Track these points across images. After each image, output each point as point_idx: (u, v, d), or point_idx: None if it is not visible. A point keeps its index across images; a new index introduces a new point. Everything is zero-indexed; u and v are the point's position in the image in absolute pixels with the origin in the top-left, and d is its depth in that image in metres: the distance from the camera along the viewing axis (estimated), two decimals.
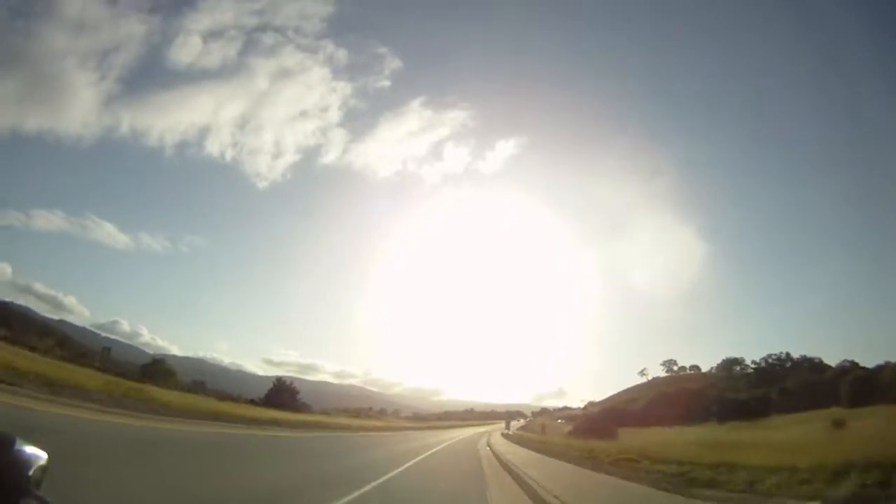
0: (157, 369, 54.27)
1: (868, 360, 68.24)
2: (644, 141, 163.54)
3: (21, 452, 1.52)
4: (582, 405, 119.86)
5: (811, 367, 79.20)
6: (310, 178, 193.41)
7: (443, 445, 28.11)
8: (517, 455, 22.82)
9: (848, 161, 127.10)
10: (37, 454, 1.57)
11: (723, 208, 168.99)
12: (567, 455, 22.45)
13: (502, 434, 58.23)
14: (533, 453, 24.98)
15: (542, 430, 57.16)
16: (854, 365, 68.01)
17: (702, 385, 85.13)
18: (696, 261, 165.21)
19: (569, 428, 61.09)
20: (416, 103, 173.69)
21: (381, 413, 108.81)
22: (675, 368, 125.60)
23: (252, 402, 54.91)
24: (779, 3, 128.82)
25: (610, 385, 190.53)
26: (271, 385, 68.06)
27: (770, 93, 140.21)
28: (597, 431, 39.32)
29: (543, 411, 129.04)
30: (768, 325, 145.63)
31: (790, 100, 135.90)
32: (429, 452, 22.95)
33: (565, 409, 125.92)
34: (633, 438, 33.70)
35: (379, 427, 56.85)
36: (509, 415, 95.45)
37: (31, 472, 1.52)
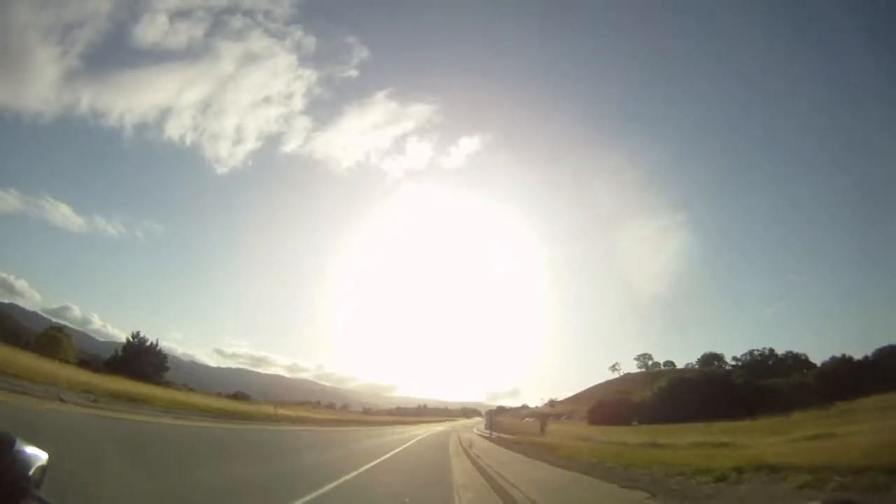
0: (47, 339, 45.60)
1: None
2: (612, 138, 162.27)
3: (21, 453, 1.48)
4: (542, 403, 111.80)
5: (797, 363, 74.82)
6: (270, 165, 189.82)
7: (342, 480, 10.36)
8: None
9: (829, 161, 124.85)
10: (37, 454, 1.52)
11: (692, 206, 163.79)
12: None
13: (479, 434, 40.77)
14: None
15: (541, 429, 39.78)
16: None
17: (711, 375, 71.88)
18: (661, 259, 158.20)
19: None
20: (381, 95, 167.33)
21: (330, 407, 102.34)
22: (650, 363, 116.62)
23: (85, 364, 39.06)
24: None
25: (565, 386, 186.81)
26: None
27: (758, 89, 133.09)
28: None
29: (501, 410, 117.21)
30: (733, 324, 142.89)
31: (769, 92, 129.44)
32: None
33: (525, 407, 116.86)
34: None
35: (290, 418, 38.51)
36: (480, 412, 79.24)
37: (31, 473, 1.47)
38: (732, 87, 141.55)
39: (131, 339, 43.69)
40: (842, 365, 59.06)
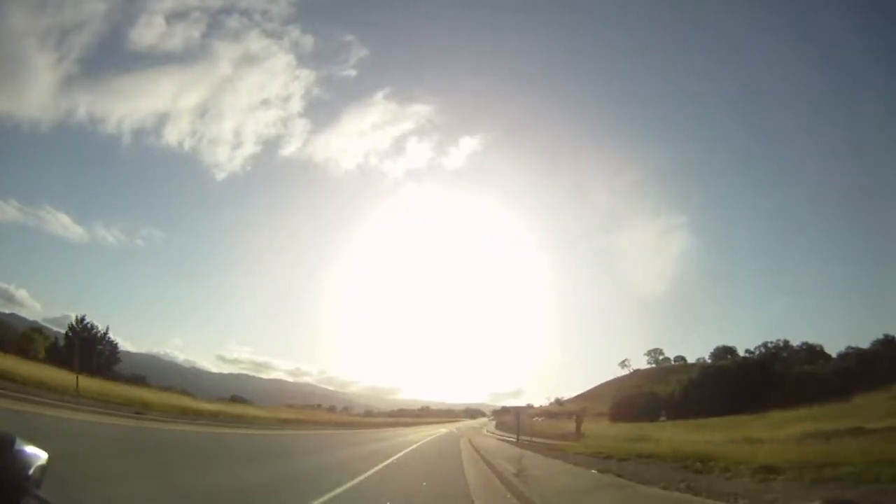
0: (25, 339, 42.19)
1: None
2: (615, 138, 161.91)
3: (21, 452, 1.47)
4: (547, 402, 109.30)
5: (812, 353, 74.30)
6: (269, 169, 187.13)
7: None
8: None
9: (837, 158, 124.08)
10: (37, 454, 1.52)
11: (694, 205, 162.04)
12: None
13: (500, 437, 35.17)
14: None
15: (577, 430, 34.60)
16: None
17: (749, 364, 68.07)
18: (664, 258, 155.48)
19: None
20: (380, 95, 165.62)
21: (331, 410, 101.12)
22: (660, 359, 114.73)
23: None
24: None
25: (568, 385, 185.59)
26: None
27: (760, 88, 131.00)
28: None
29: (504, 410, 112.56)
30: (736, 319, 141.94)
31: (780, 94, 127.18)
32: None
33: (530, 406, 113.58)
34: None
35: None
36: (485, 412, 74.07)
37: (31, 472, 1.47)
38: (737, 88, 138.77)
39: (75, 325, 36.81)
40: (888, 348, 55.50)
